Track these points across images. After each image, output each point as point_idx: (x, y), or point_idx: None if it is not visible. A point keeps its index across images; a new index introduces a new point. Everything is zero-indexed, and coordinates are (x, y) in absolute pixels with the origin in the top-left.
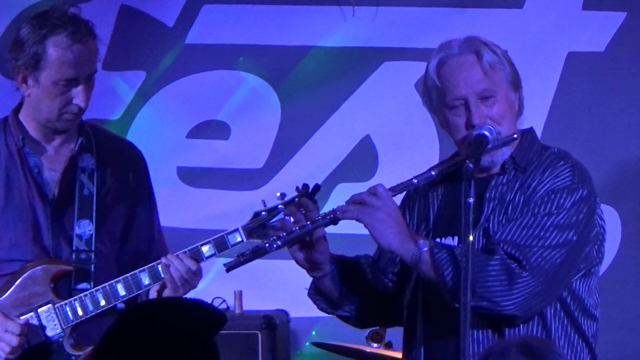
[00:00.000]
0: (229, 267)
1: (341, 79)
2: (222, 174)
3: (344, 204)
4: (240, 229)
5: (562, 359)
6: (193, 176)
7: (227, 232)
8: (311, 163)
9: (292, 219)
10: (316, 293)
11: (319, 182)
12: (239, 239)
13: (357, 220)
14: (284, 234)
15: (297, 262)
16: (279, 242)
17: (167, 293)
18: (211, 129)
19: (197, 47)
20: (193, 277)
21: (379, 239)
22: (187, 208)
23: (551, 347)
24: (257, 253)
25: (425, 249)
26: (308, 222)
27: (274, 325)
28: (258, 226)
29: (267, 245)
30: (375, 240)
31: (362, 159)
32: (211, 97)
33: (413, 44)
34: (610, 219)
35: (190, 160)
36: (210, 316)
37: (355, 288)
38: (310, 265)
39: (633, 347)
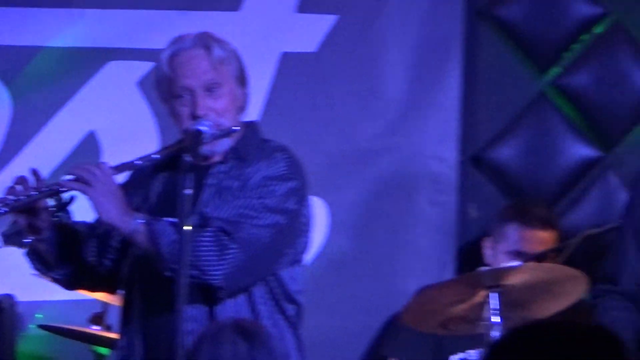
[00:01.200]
0: None
1: (69, 77)
2: None
3: (69, 171)
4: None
5: (270, 338)
6: None
7: None
8: (38, 158)
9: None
10: (33, 253)
11: (46, 176)
12: None
13: (81, 192)
14: (13, 199)
15: (19, 224)
16: (6, 208)
17: None
18: None
19: None
20: None
21: (100, 212)
22: None
23: (261, 327)
24: None
25: (142, 221)
26: (36, 192)
27: None
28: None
29: None
30: (96, 212)
31: (86, 154)
32: None
33: (137, 44)
34: (320, 209)
35: None
36: None
37: (70, 255)
38: (31, 230)
39: (337, 329)
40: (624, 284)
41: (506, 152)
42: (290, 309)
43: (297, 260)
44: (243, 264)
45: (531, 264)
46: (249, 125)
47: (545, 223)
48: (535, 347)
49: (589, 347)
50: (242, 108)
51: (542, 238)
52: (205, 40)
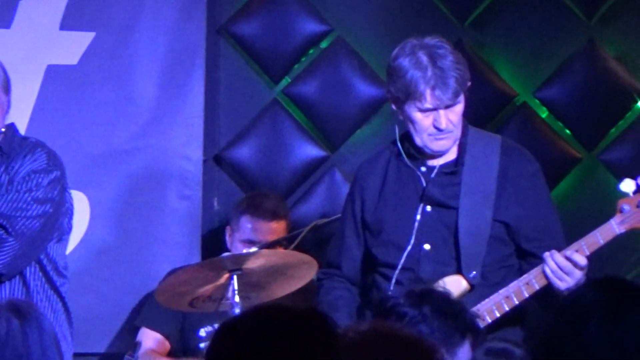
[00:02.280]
0: None
1: None
2: None
3: None
4: None
5: (40, 315)
6: None
7: None
8: None
9: None
10: None
11: None
12: None
13: None
14: None
15: None
16: None
17: None
18: None
19: None
20: None
21: None
22: None
23: (32, 306)
24: None
25: None
26: None
27: None
28: None
29: None
30: None
31: None
32: None
33: None
34: (82, 202)
35: None
36: None
37: None
38: None
39: (98, 307)
40: (345, 269)
41: (244, 152)
42: (59, 282)
43: (63, 239)
44: (19, 252)
45: (268, 250)
46: (9, 127)
47: (274, 214)
48: (258, 327)
49: (302, 326)
50: (6, 112)
51: (272, 228)
52: None
